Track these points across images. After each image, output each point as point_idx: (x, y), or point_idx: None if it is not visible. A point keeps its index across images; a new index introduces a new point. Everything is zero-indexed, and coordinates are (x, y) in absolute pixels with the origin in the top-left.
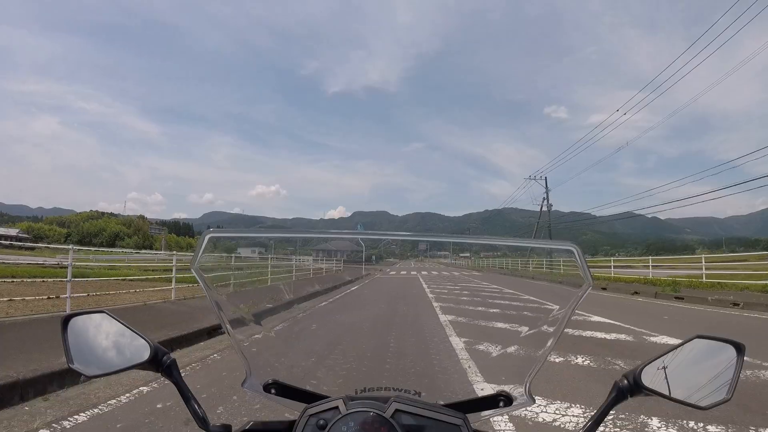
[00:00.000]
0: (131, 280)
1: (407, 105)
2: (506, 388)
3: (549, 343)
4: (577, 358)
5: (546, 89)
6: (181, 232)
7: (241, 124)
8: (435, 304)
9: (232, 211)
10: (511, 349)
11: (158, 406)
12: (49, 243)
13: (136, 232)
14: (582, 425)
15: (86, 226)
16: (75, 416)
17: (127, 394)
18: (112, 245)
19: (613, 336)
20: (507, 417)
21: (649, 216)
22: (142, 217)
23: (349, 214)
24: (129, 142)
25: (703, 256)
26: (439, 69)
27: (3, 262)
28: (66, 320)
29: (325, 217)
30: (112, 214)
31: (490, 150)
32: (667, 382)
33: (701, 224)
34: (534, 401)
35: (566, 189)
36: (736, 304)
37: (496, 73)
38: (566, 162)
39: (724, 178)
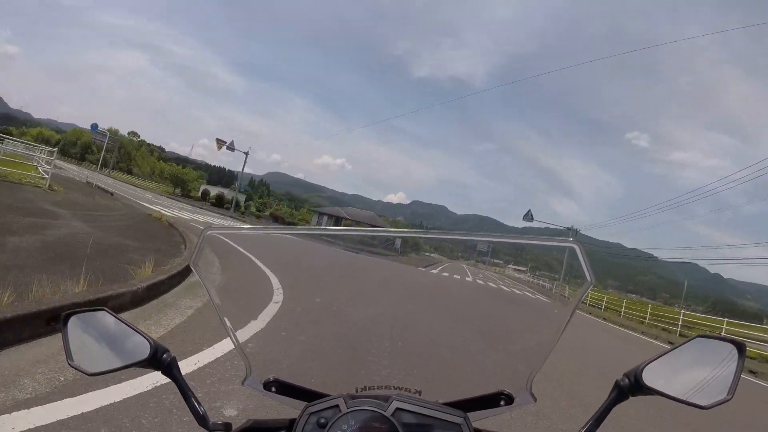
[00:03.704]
0: None
1: (488, 103)
2: (507, 387)
3: (551, 342)
4: None
5: (631, 113)
6: (219, 177)
7: (321, 91)
8: None
9: (295, 176)
10: (512, 348)
11: None
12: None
13: (117, 149)
14: (583, 424)
15: (69, 136)
16: None
17: None
18: (83, 158)
19: None
20: (508, 416)
21: (712, 272)
22: (133, 133)
23: (408, 202)
24: (210, 90)
25: None
26: (528, 72)
27: None
28: (66, 318)
29: (384, 200)
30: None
31: (563, 165)
32: (669, 381)
33: (764, 293)
34: (535, 400)
35: (633, 224)
36: None
37: (584, 88)
38: (638, 195)
39: None
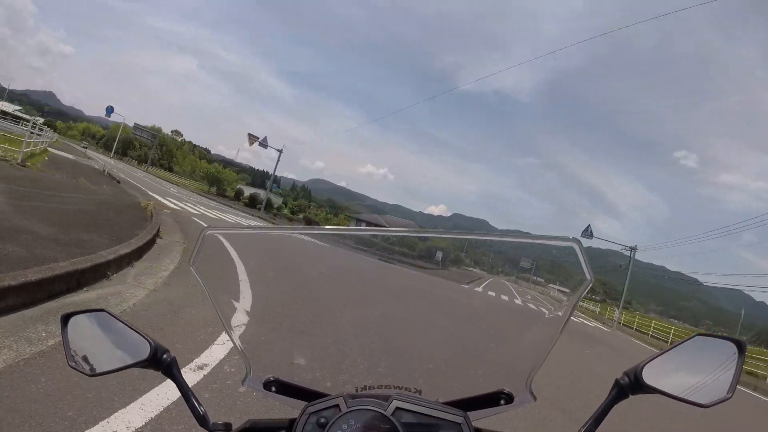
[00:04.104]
0: None
1: (533, 117)
2: (507, 386)
3: (550, 341)
4: None
5: (679, 132)
6: (262, 180)
7: (366, 101)
8: None
9: (338, 183)
10: (512, 346)
11: None
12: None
13: (158, 146)
14: (583, 423)
15: (112, 131)
16: None
17: None
18: (124, 154)
19: None
20: (508, 415)
21: (757, 300)
22: (176, 132)
23: (449, 215)
24: (258, 96)
25: None
26: (575, 88)
27: None
28: (66, 318)
29: (425, 211)
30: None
31: (607, 184)
32: (669, 379)
33: None
34: (535, 399)
35: (678, 247)
36: None
37: (631, 104)
38: (684, 216)
39: None
